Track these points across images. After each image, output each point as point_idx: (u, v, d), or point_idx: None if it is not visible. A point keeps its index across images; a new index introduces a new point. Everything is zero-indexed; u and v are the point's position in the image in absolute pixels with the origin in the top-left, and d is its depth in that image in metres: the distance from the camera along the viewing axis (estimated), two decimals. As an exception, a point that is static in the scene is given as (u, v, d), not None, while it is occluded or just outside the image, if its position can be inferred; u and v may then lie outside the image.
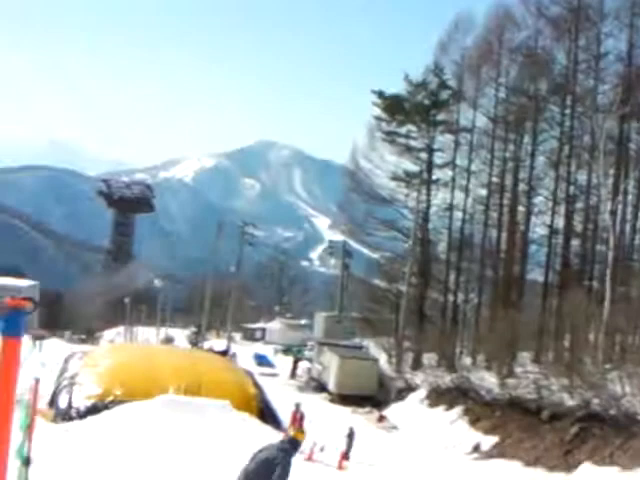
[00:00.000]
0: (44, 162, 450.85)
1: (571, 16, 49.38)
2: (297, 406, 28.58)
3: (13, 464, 9.57)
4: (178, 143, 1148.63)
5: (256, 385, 36.12)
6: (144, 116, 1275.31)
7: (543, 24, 51.58)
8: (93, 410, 28.07)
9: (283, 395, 38.25)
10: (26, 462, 9.54)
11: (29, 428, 9.75)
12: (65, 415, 27.98)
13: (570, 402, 29.32)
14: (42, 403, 28.54)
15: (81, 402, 28.93)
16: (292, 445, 11.07)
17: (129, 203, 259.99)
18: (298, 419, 27.92)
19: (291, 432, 13.20)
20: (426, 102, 57.00)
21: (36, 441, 9.86)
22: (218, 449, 21.68)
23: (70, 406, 28.81)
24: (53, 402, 29.84)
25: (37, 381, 10.37)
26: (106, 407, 28.18)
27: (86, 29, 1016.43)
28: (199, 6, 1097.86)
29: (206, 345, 65.56)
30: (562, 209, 50.28)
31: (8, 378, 4.49)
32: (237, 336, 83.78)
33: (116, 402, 28.54)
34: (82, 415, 27.74)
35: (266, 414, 32.02)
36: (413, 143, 57.80)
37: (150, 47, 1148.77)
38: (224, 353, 53.47)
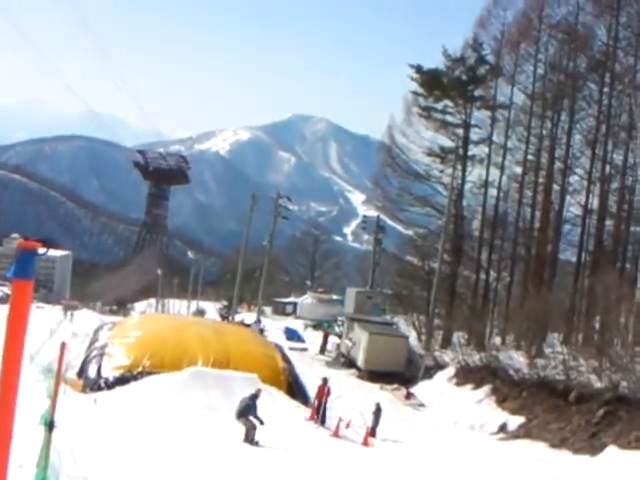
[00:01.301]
0: (81, 132, 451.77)
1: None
2: (324, 380, 28.63)
3: (38, 428, 9.73)
4: (214, 116, 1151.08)
5: (285, 359, 36.29)
6: (181, 89, 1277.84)
7: (584, 0, 50.80)
8: (122, 381, 28.42)
9: (312, 370, 38.36)
10: (50, 426, 9.64)
11: (54, 393, 9.85)
12: (94, 385, 28.34)
13: (598, 384, 29.12)
14: (72, 373, 28.99)
15: (110, 373, 29.29)
16: (255, 396, 22.18)
17: (164, 174, 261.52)
18: (325, 393, 27.96)
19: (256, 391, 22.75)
20: (464, 77, 56.37)
21: (63, 409, 9.94)
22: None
23: (99, 376, 29.18)
24: (82, 372, 30.24)
25: (63, 345, 10.45)
26: (134, 378, 28.52)
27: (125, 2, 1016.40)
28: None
29: (237, 318, 65.84)
30: (597, 189, 49.65)
31: (19, 322, 4.40)
32: (268, 310, 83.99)
33: (144, 373, 28.86)
34: (110, 385, 28.09)
35: (294, 388, 32.22)
36: (449, 119, 57.26)
37: (187, 21, 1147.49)
38: (249, 326, 54.14)
